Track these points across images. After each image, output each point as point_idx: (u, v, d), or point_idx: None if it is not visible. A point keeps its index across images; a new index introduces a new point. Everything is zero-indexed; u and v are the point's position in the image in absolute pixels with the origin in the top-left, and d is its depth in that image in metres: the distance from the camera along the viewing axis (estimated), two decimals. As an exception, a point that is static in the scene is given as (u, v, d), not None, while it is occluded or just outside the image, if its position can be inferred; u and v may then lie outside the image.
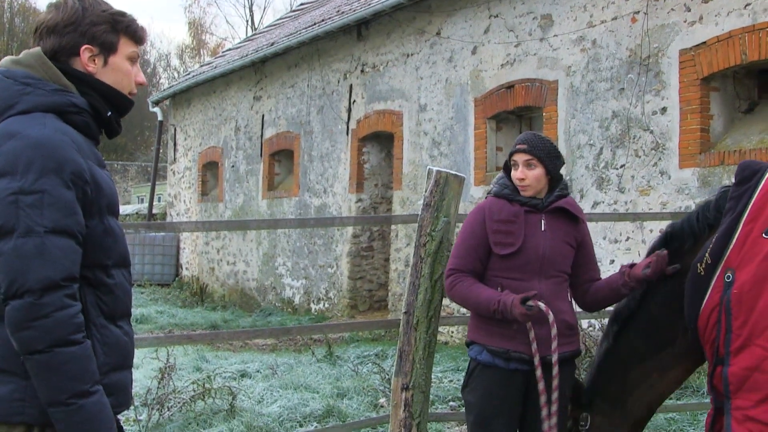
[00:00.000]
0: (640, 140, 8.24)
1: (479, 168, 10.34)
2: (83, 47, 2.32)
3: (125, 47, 2.41)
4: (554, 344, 3.55)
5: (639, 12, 8.27)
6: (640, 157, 8.24)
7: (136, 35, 2.43)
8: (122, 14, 2.41)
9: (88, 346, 2.12)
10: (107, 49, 2.36)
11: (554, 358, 3.56)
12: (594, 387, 3.61)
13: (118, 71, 2.39)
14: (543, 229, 3.70)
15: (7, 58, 2.36)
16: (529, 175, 3.71)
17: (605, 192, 8.49)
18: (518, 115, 10.28)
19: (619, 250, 8.31)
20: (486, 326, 3.67)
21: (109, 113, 2.38)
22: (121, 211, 14.55)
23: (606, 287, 3.73)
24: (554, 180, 3.79)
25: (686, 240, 3.29)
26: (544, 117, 9.42)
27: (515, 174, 3.73)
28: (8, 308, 2.05)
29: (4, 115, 2.20)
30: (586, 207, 8.63)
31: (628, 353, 3.45)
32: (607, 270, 8.34)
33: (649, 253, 3.45)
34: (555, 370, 3.55)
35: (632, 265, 3.56)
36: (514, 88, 9.79)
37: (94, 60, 2.35)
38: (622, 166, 8.41)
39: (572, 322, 3.75)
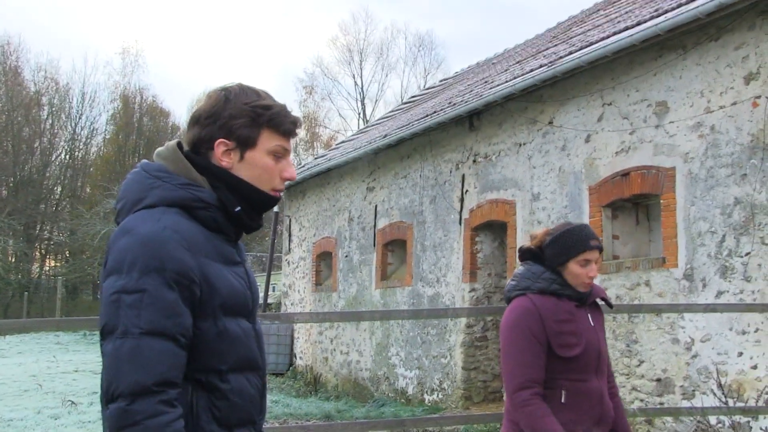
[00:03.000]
0: (767, 227, 7.93)
1: (595, 257, 10.12)
2: (218, 141, 2.21)
3: (267, 141, 2.25)
4: None
5: (760, 96, 8.07)
6: (767, 244, 7.92)
7: (281, 128, 2.26)
8: (267, 107, 2.24)
9: None
10: (244, 144, 2.22)
11: None
12: None
13: (255, 167, 2.24)
14: (591, 323, 3.49)
15: (156, 150, 2.31)
16: (596, 274, 3.53)
17: (729, 281, 8.17)
18: (634, 202, 10.09)
19: (747, 342, 7.93)
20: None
21: (238, 209, 2.22)
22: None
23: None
24: None
25: None
26: (662, 204, 9.21)
27: (588, 272, 3.47)
28: (107, 412, 1.97)
29: (135, 209, 2.15)
30: (709, 296, 8.31)
31: None
32: (735, 362, 7.96)
33: None
34: None
35: None
36: (630, 176, 9.64)
37: (229, 154, 2.22)
38: (747, 254, 8.09)
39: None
